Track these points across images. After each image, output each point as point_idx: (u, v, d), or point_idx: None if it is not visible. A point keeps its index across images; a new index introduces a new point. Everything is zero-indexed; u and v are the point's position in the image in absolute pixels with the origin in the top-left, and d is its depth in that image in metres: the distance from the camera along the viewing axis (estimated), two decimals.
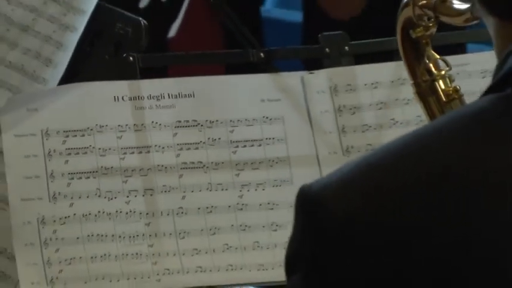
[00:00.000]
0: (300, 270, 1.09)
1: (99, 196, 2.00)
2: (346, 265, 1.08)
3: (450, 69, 1.79)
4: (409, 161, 1.10)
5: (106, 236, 2.01)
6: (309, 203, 1.10)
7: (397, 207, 1.06)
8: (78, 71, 2.13)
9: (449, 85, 1.72)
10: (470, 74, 2.02)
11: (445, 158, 1.09)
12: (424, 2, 1.72)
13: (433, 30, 1.76)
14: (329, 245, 1.09)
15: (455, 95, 1.73)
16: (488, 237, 1.05)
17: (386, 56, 2.09)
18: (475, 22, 1.59)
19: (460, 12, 1.62)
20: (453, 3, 1.64)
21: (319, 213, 1.09)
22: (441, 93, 1.75)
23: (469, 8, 1.54)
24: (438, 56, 1.77)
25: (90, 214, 2.00)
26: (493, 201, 1.05)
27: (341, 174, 1.12)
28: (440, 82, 1.74)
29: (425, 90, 1.78)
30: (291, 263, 1.11)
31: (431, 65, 1.76)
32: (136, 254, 1.97)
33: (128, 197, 2.02)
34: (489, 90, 1.08)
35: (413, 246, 1.06)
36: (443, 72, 1.75)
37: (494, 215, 1.04)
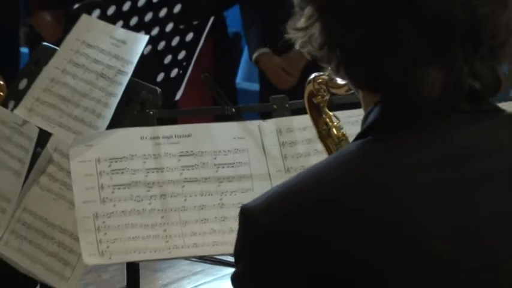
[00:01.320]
0: (240, 262, 1.44)
1: (132, 200, 2.41)
2: (263, 259, 1.40)
3: (339, 121, 2.27)
4: (306, 190, 1.41)
5: (136, 224, 2.39)
6: (243, 216, 1.41)
7: (297, 222, 1.38)
8: (117, 121, 2.52)
9: (339, 132, 2.21)
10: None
11: (330, 186, 1.40)
12: (320, 80, 2.17)
13: (327, 97, 2.23)
14: (255, 246, 1.41)
15: (343, 137, 2.21)
16: (364, 233, 1.36)
17: None
18: (352, 91, 1.70)
19: (342, 85, 2.00)
20: (338, 80, 1.98)
21: (249, 224, 1.41)
22: (334, 137, 2.21)
23: (346, 82, 1.68)
24: (331, 113, 2.24)
25: (126, 211, 2.40)
26: (360, 212, 1.36)
27: (266, 197, 1.42)
28: (334, 130, 2.19)
29: (324, 136, 2.24)
30: (236, 257, 1.41)
31: (327, 119, 2.23)
32: (155, 235, 2.40)
33: (150, 200, 2.43)
34: (358, 137, 1.42)
35: (310, 249, 1.37)
36: (335, 123, 2.22)
37: (362, 217, 1.36)
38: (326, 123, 2.23)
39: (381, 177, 1.42)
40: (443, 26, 1.41)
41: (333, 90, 2.15)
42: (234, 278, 1.41)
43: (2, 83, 2.86)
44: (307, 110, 2.28)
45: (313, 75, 2.18)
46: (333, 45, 1.46)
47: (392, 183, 1.41)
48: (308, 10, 1.49)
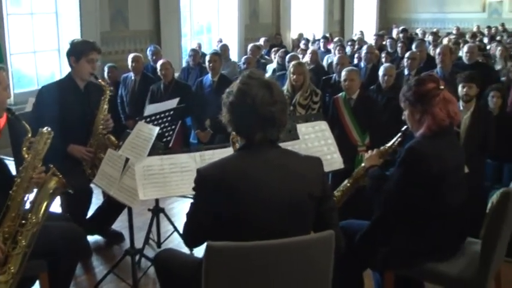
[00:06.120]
0: (195, 185, 2.05)
1: (154, 178, 3.07)
2: (199, 185, 2.06)
3: None
4: (218, 164, 2.04)
5: (156, 186, 3.03)
6: (197, 171, 2.03)
7: (213, 173, 2.00)
8: (149, 155, 3.15)
9: None
10: None
11: (225, 163, 2.05)
12: (233, 136, 2.52)
13: (237, 139, 2.41)
14: (197, 181, 2.05)
15: None
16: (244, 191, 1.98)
17: None
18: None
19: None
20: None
21: (198, 173, 2.03)
22: None
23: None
24: (237, 146, 2.39)
25: (152, 182, 3.06)
26: (243, 183, 1.99)
27: (206, 165, 2.05)
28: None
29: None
30: (194, 182, 2.04)
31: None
32: (162, 188, 3.05)
33: (158, 177, 3.07)
34: (236, 151, 2.12)
35: (217, 184, 1.98)
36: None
37: (241, 185, 1.98)
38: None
39: (241, 163, 2.05)
40: (263, 119, 2.02)
41: (236, 139, 2.52)
42: (193, 189, 2.09)
43: (115, 139, 3.81)
44: (231, 145, 2.68)
45: (232, 135, 2.52)
46: (231, 122, 2.09)
47: (243, 165, 2.03)
48: (224, 110, 2.10)
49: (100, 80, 4.08)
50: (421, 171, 2.44)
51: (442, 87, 2.61)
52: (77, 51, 3.96)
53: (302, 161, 2.13)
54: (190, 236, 2.13)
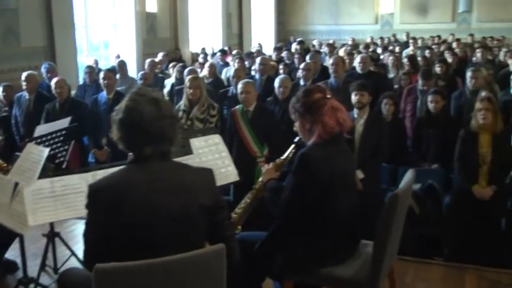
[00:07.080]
0: (87, 197, 1.98)
1: (44, 202, 2.96)
2: (89, 198, 2.01)
3: None
4: (109, 177, 2.01)
5: (46, 210, 2.93)
6: (88, 186, 2.02)
7: (102, 187, 1.98)
8: (39, 177, 3.04)
9: None
10: None
11: (116, 177, 2.01)
12: None
13: None
14: (88, 194, 2.01)
15: None
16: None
17: None
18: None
19: None
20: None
21: (89, 187, 2.01)
22: None
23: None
24: None
25: (42, 206, 2.95)
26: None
27: (101, 178, 2.04)
28: None
29: None
30: (86, 205, 1.99)
31: None
32: (55, 214, 2.95)
33: (49, 201, 2.95)
34: (126, 165, 2.06)
35: (105, 197, 1.97)
36: None
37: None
38: None
39: (129, 175, 2.05)
40: (151, 134, 2.02)
41: None
42: (85, 206, 2.05)
43: (3, 162, 3.65)
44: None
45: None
46: (120, 139, 2.10)
47: (131, 178, 2.04)
48: (113, 127, 2.10)
49: None
50: (313, 174, 2.49)
51: (328, 96, 2.67)
52: None
53: (192, 172, 2.14)
54: (89, 257, 2.08)
